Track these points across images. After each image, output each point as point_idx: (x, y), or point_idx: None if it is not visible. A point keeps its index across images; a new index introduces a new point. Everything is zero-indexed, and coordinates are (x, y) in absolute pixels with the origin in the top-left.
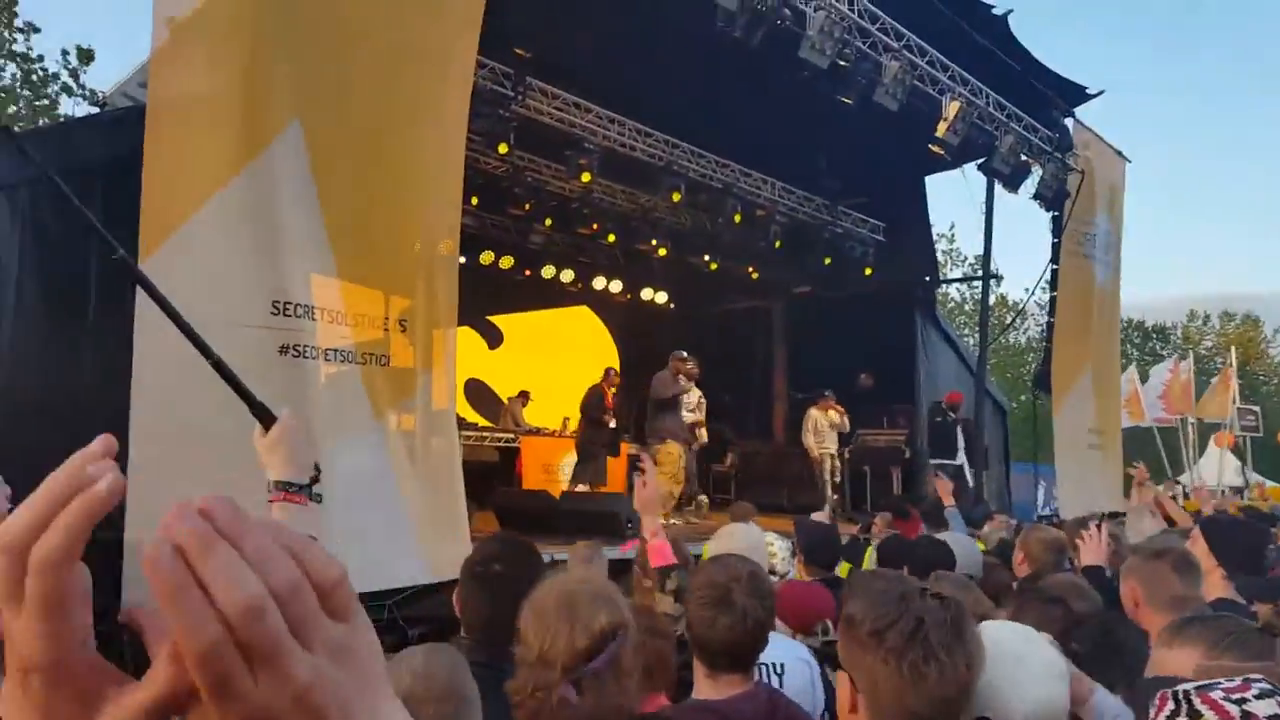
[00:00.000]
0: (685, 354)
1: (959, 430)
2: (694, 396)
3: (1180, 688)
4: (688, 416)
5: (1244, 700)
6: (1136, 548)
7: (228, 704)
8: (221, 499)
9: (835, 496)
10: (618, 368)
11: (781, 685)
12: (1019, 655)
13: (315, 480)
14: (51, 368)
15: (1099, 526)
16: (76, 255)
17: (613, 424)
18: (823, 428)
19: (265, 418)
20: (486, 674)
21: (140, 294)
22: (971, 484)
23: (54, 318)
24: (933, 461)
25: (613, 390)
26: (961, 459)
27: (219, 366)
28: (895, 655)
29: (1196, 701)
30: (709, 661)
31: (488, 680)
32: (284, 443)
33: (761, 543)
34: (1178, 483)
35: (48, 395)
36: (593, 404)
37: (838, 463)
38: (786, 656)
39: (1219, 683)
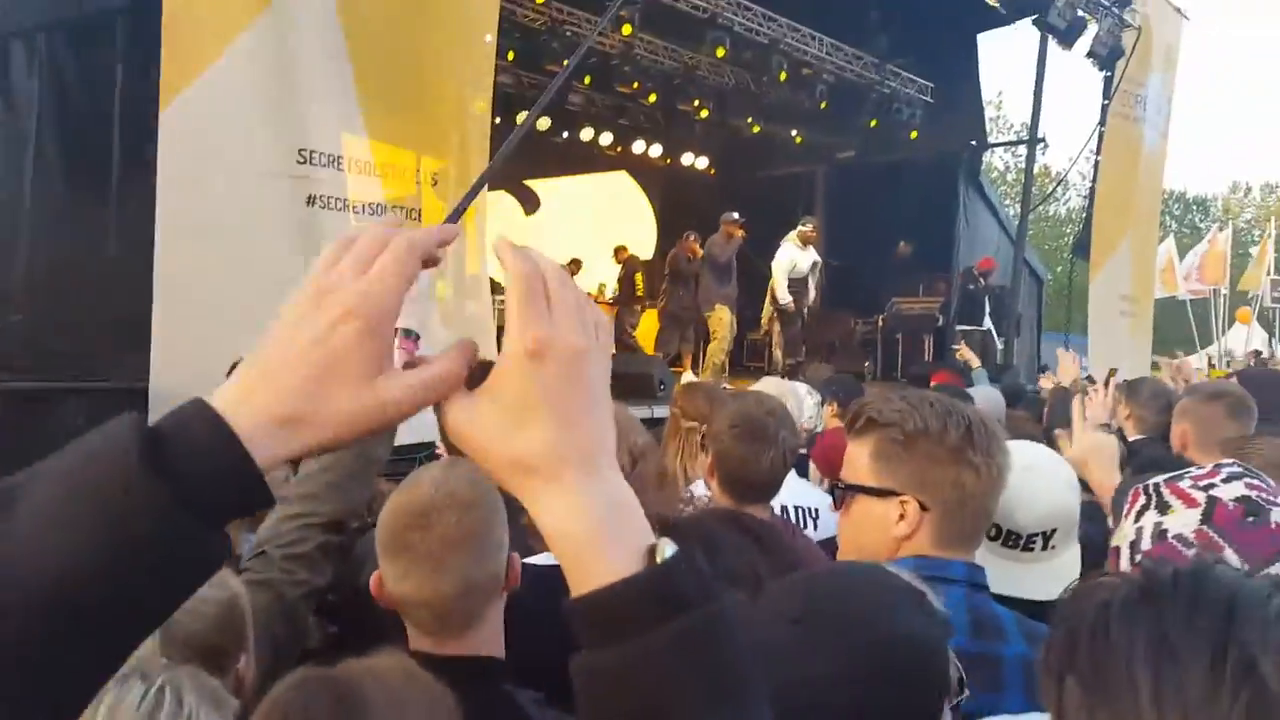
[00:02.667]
0: (736, 215)
1: (986, 297)
2: (806, 261)
3: (1150, 481)
4: (786, 298)
5: (1211, 485)
6: (1193, 389)
7: (528, 323)
8: None
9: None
10: (655, 235)
11: (816, 530)
12: (1028, 465)
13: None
14: (72, 231)
15: (1106, 384)
16: (98, 104)
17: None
18: (801, 268)
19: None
20: None
21: (162, 152)
22: (1000, 348)
23: (74, 177)
24: (959, 327)
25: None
26: (988, 324)
27: None
28: (969, 456)
29: (1165, 492)
30: (739, 495)
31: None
32: None
33: (794, 389)
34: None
35: (68, 260)
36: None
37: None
38: (821, 502)
39: (1189, 471)
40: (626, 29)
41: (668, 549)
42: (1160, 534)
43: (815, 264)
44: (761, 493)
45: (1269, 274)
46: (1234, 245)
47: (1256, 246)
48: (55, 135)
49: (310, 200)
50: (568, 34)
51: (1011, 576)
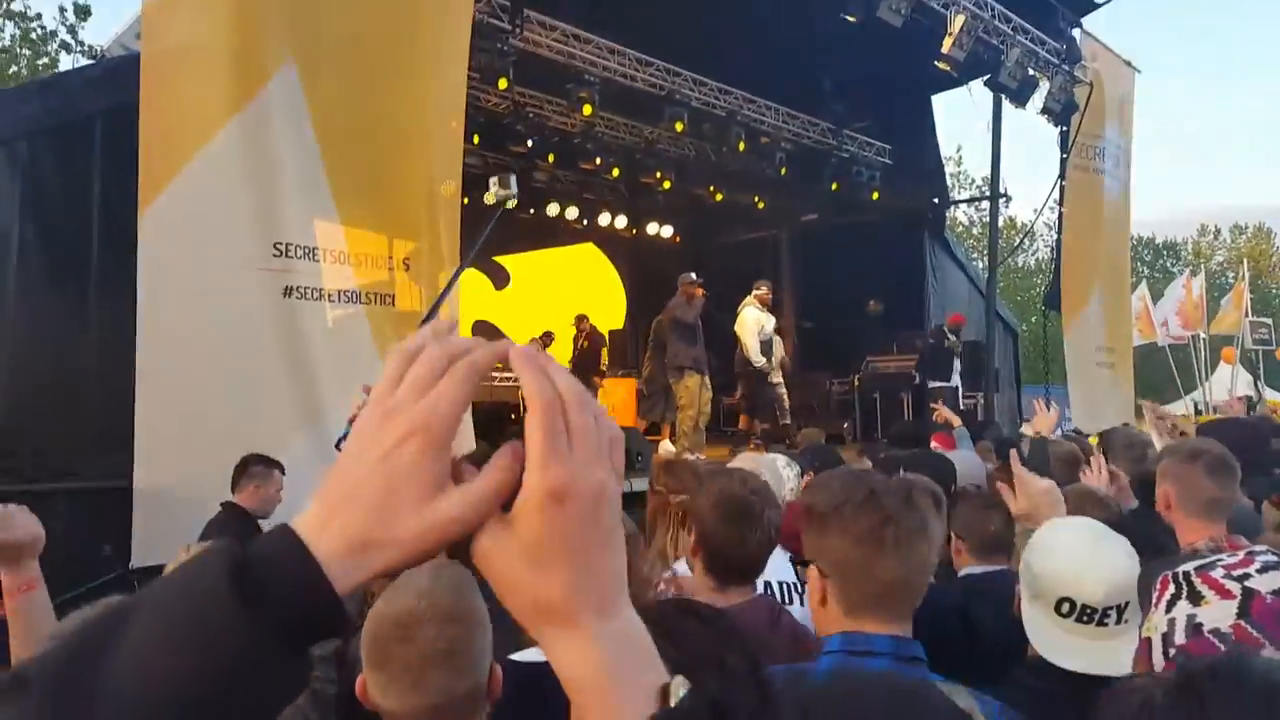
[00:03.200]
0: (694, 275)
1: (955, 353)
2: (770, 324)
3: (1181, 569)
4: (761, 360)
5: (1246, 576)
6: (1171, 449)
7: (551, 462)
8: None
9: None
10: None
11: (803, 604)
12: (1097, 538)
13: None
14: (54, 331)
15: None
16: (78, 211)
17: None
18: (767, 330)
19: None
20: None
21: (142, 251)
22: (962, 406)
23: (56, 278)
24: (930, 385)
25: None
26: (956, 381)
27: None
28: (854, 525)
29: (1197, 582)
30: (724, 577)
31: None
32: None
33: (773, 463)
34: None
35: (51, 359)
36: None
37: (781, 390)
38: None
39: (1220, 558)
40: (587, 109)
41: (680, 689)
42: (1195, 627)
43: (775, 326)
44: (746, 574)
45: (1247, 316)
46: (1209, 288)
47: (1232, 289)
48: (37, 237)
49: (287, 291)
50: (530, 116)
51: (1088, 653)
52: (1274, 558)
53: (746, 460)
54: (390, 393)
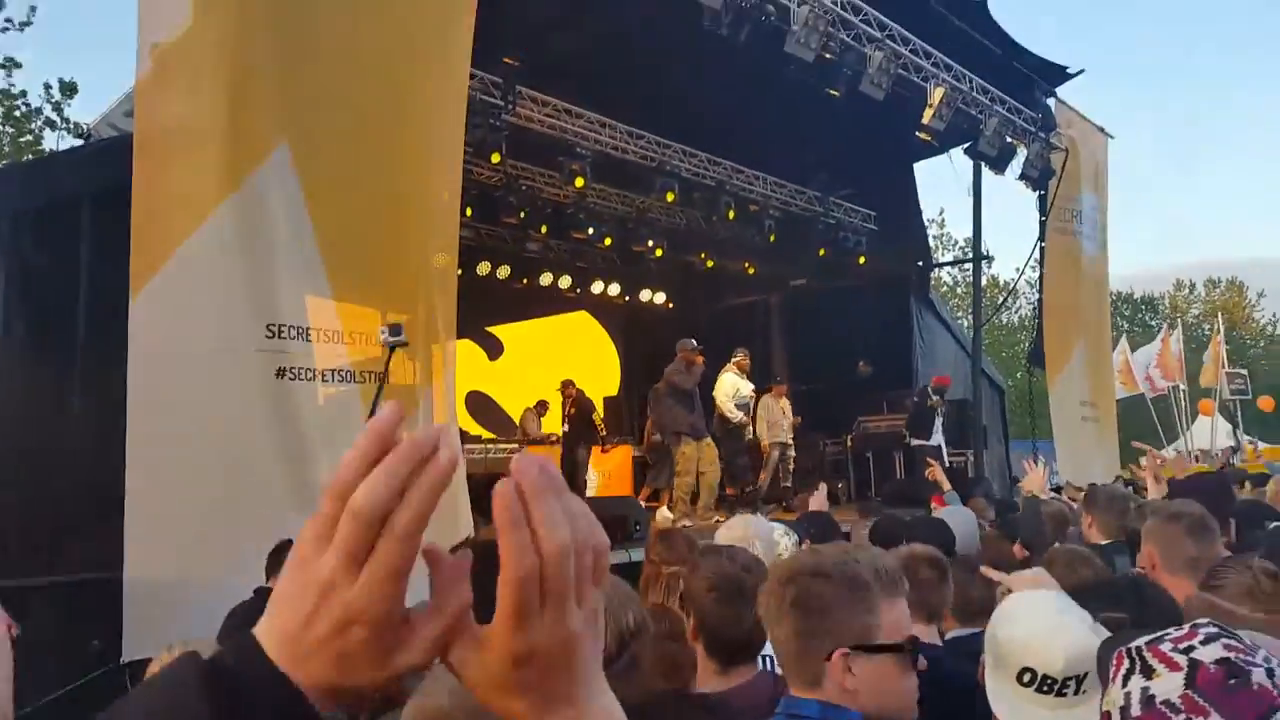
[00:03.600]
0: (694, 342)
1: (936, 413)
2: (747, 389)
3: (1133, 644)
4: (738, 414)
5: (1191, 648)
6: (1154, 510)
7: (519, 631)
8: (549, 462)
9: (787, 485)
10: (619, 371)
11: None
12: (1061, 609)
13: None
14: (40, 412)
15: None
16: (65, 290)
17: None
18: (776, 415)
19: None
20: None
21: (133, 335)
22: (947, 463)
23: (42, 357)
24: (914, 443)
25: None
26: (937, 439)
27: None
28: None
29: (1148, 656)
30: (725, 658)
31: None
32: None
33: (766, 529)
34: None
35: (37, 441)
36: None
37: (791, 452)
38: None
39: (1168, 633)
40: (579, 181)
41: None
42: (1148, 700)
43: (754, 393)
44: (746, 652)
45: (1223, 368)
46: (1186, 341)
47: (1208, 341)
48: (23, 322)
49: (280, 373)
50: (523, 188)
51: None
52: (1215, 629)
53: (736, 526)
54: (317, 551)
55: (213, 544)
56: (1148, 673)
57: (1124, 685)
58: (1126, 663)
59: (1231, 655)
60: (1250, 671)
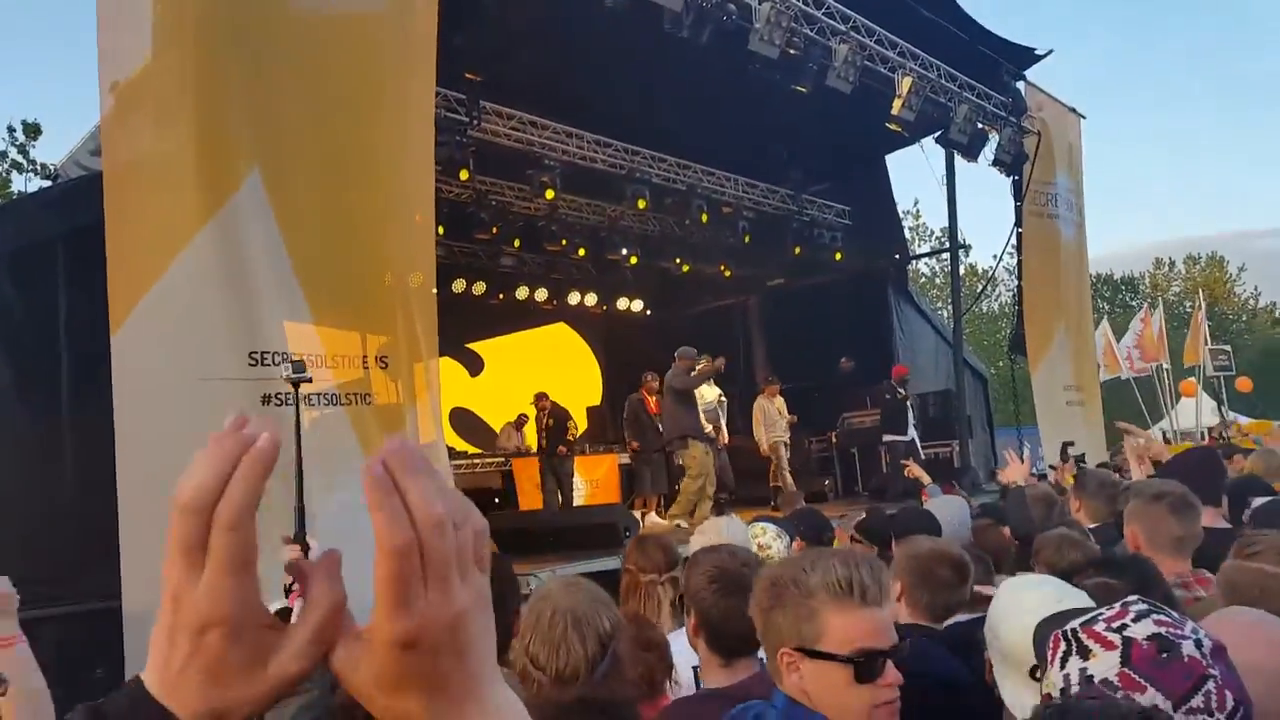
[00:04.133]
0: (695, 350)
1: (909, 406)
2: (714, 393)
3: (1069, 626)
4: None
5: (1124, 626)
6: (1136, 490)
7: (401, 610)
8: (416, 445)
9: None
10: (600, 381)
11: None
12: (1059, 599)
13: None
14: (26, 460)
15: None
16: (45, 330)
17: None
18: (772, 415)
19: None
20: None
21: (116, 370)
22: (922, 457)
23: (24, 403)
24: (886, 438)
25: (653, 398)
26: (912, 434)
27: None
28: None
29: (1083, 637)
30: (726, 651)
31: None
32: None
33: (740, 530)
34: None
35: (24, 485)
36: (638, 413)
37: (785, 451)
38: None
39: (1101, 613)
40: (549, 193)
41: None
42: (1086, 679)
43: (720, 399)
44: (748, 645)
45: (1206, 345)
46: (1168, 319)
47: (1190, 319)
48: (4, 361)
49: (265, 400)
50: (493, 203)
51: None
52: (1145, 606)
53: (710, 530)
54: (168, 568)
55: None
56: (1084, 653)
57: (1062, 667)
58: (1064, 645)
59: (1163, 630)
60: (1180, 644)
